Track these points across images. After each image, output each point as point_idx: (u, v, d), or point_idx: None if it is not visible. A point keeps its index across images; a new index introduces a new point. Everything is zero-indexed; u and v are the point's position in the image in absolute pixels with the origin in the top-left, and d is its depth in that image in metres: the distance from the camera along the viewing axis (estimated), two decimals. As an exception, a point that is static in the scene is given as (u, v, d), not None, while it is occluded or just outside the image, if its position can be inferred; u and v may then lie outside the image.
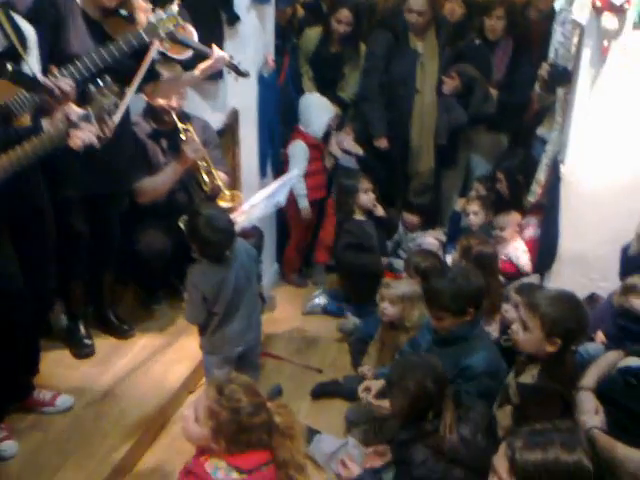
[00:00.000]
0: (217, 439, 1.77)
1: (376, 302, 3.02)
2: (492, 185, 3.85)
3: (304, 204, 3.96)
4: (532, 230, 3.56)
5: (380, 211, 3.95)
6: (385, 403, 2.39)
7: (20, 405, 2.56)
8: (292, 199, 3.82)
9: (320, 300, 3.92)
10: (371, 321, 3.28)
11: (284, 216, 4.05)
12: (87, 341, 3.01)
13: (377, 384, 2.52)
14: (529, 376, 2.26)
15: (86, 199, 2.74)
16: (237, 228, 2.71)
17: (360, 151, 4.15)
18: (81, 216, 2.77)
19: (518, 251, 3.50)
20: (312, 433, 2.69)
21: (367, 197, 3.82)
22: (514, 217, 3.60)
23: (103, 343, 3.07)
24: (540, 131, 3.70)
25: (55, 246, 2.51)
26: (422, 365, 2.30)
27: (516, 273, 3.48)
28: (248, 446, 1.80)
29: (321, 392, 3.09)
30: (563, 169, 3.18)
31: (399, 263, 3.84)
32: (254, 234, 3.21)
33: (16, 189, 2.06)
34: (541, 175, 3.44)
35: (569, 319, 2.17)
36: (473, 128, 4.19)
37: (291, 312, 3.90)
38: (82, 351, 2.97)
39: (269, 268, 4.02)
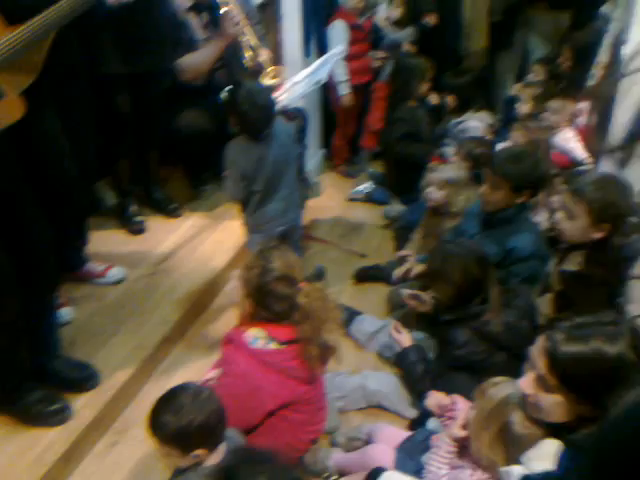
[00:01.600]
0: (246, 297, 1.84)
1: (422, 190, 3.00)
2: (553, 68, 3.64)
3: (344, 91, 3.85)
4: (585, 117, 3.40)
5: (435, 99, 3.82)
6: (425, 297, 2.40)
7: (75, 276, 2.68)
8: (334, 86, 3.73)
9: (365, 187, 3.91)
10: (416, 208, 3.26)
11: (331, 103, 3.97)
12: (137, 218, 3.10)
13: (417, 267, 2.55)
14: (573, 263, 2.24)
15: (127, 77, 2.72)
16: (279, 106, 2.67)
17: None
18: (124, 96, 2.76)
19: (569, 141, 3.36)
20: (353, 314, 2.76)
21: (425, 83, 3.68)
22: (569, 104, 3.43)
23: (152, 221, 3.16)
24: (604, 9, 3.45)
25: (100, 126, 2.53)
26: (464, 251, 2.28)
27: (569, 164, 3.37)
28: (273, 314, 1.87)
29: (364, 276, 3.14)
30: (625, 50, 2.98)
31: (446, 150, 3.76)
32: (298, 116, 3.16)
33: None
34: (603, 56, 3.25)
35: (617, 202, 2.11)
36: (532, 5, 3.94)
37: (336, 198, 3.91)
38: (132, 228, 3.07)
39: (315, 154, 3.99)
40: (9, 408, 2.07)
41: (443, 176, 2.85)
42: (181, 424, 1.55)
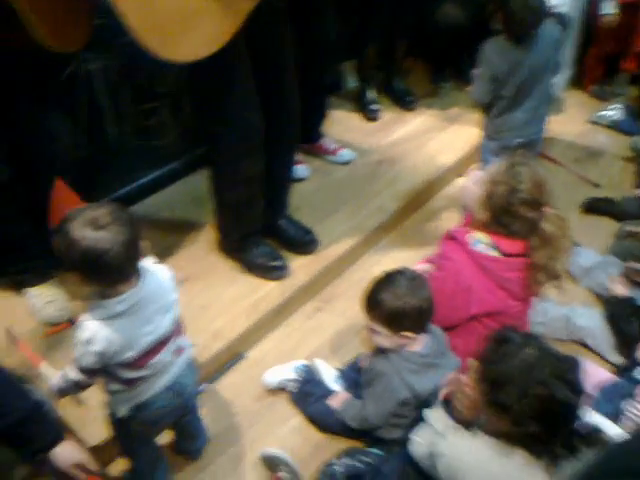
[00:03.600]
0: (485, 207, 1.80)
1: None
2: None
3: (609, 10, 3.42)
4: None
5: None
6: None
7: (309, 148, 2.83)
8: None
9: (614, 112, 3.55)
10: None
11: (592, 17, 3.58)
12: (373, 106, 3.14)
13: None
14: None
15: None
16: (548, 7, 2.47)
17: None
18: None
19: None
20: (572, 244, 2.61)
21: None
22: None
23: (387, 110, 3.19)
24: None
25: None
26: None
27: None
28: (508, 231, 1.81)
29: (593, 207, 2.92)
30: None
31: None
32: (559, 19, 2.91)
33: None
34: None
35: None
36: None
37: (578, 119, 3.61)
38: (368, 113, 3.13)
39: (564, 70, 3.68)
40: (238, 256, 2.30)
41: None
42: (397, 304, 1.62)
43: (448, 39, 3.05)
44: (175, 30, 1.58)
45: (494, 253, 1.84)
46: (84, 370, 1.36)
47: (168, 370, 1.46)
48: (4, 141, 1.79)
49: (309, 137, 2.78)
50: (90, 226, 1.21)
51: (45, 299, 2.03)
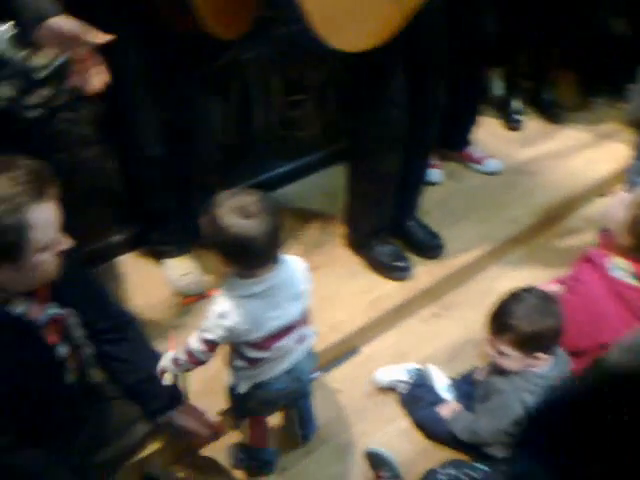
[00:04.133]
0: (628, 233, 1.71)
1: None
2: None
3: None
4: None
5: None
6: None
7: (454, 155, 2.81)
8: None
9: None
10: None
11: None
12: (517, 116, 3.06)
13: None
14: None
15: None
16: None
17: None
18: None
19: None
20: None
21: None
22: None
23: (531, 121, 3.09)
24: None
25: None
26: None
27: None
28: None
29: None
30: None
31: None
32: None
33: None
34: None
35: None
36: None
37: None
38: (510, 123, 3.05)
39: None
40: (363, 252, 2.32)
41: None
42: (532, 328, 1.58)
43: (606, 50, 2.90)
44: (346, 20, 1.65)
45: (634, 282, 1.75)
46: (208, 341, 1.41)
47: (290, 355, 1.52)
48: (158, 118, 1.91)
49: (457, 143, 2.76)
50: (239, 214, 1.27)
51: (181, 271, 2.16)
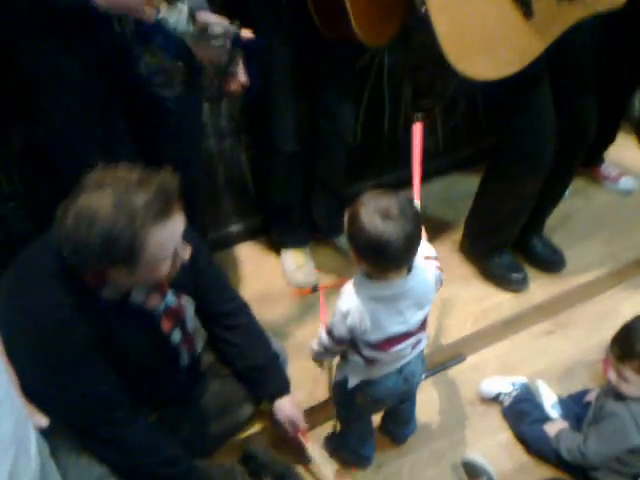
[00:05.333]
0: None
1: None
2: None
3: None
4: None
5: None
6: None
7: (589, 172, 2.73)
8: None
9: None
10: None
11: None
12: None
13: None
14: None
15: None
16: None
17: None
18: None
19: None
20: None
21: None
22: None
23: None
24: None
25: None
26: None
27: None
28: None
29: None
30: None
31: None
32: None
33: None
34: None
35: None
36: None
37: None
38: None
39: None
40: (480, 261, 2.30)
41: None
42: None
43: None
44: (480, 49, 1.63)
45: None
46: (333, 337, 1.45)
47: (404, 358, 1.52)
48: (295, 116, 1.97)
49: (591, 160, 2.65)
50: (380, 215, 1.25)
51: (297, 264, 2.24)
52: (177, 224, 1.21)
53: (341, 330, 1.40)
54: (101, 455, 1.37)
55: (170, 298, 1.40)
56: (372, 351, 1.44)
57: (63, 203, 1.16)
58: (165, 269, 1.24)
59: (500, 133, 2.04)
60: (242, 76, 1.49)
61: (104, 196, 1.12)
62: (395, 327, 1.40)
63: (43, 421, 1.15)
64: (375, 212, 1.26)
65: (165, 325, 1.40)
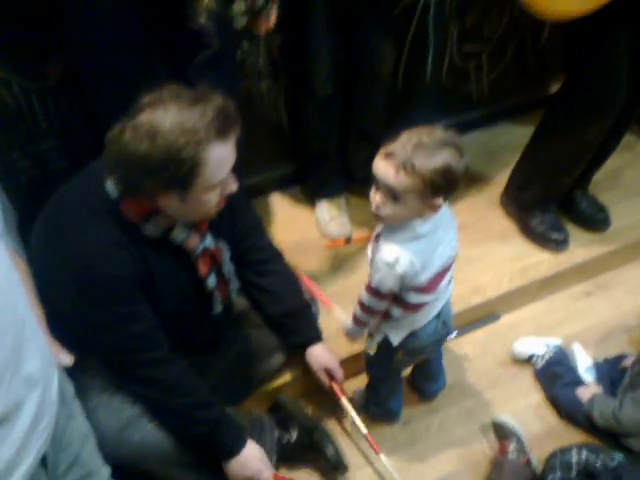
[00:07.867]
0: None
1: None
2: None
3: None
4: None
5: None
6: None
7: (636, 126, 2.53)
8: None
9: None
10: None
11: None
12: None
13: None
14: None
15: None
16: None
17: None
18: None
19: None
20: None
21: None
22: None
23: None
24: None
25: None
26: None
27: None
28: None
29: None
30: None
31: None
32: None
33: None
34: None
35: None
36: None
37: None
38: None
39: None
40: (521, 216, 2.21)
41: None
42: None
43: None
44: None
45: None
46: (379, 294, 1.39)
47: (441, 298, 1.47)
48: (332, 59, 1.88)
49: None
50: (445, 146, 1.21)
51: (330, 214, 2.19)
52: (233, 148, 1.21)
53: (390, 282, 1.34)
54: (140, 394, 1.37)
55: (208, 240, 1.38)
56: (420, 295, 1.39)
57: (116, 125, 1.14)
58: (214, 199, 1.23)
59: (572, 75, 1.91)
60: (273, 18, 1.43)
61: (166, 111, 1.12)
62: (438, 260, 1.36)
63: (68, 360, 1.14)
64: (434, 145, 1.20)
65: (202, 268, 1.38)
